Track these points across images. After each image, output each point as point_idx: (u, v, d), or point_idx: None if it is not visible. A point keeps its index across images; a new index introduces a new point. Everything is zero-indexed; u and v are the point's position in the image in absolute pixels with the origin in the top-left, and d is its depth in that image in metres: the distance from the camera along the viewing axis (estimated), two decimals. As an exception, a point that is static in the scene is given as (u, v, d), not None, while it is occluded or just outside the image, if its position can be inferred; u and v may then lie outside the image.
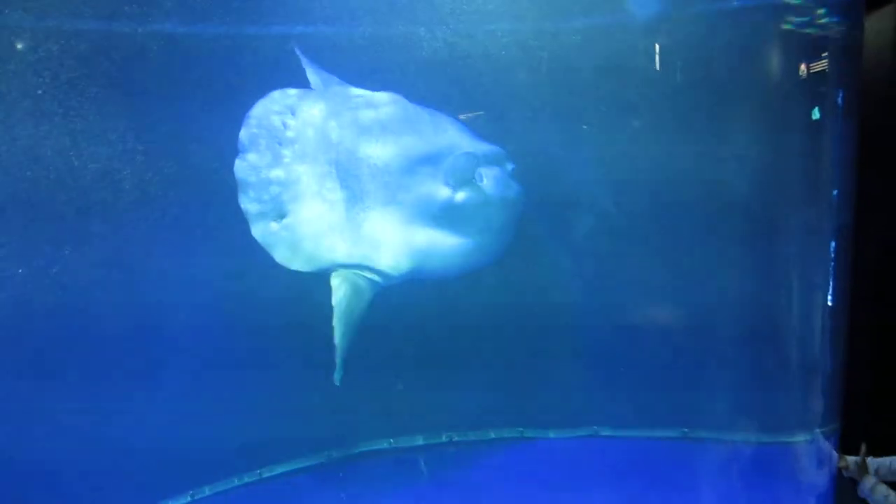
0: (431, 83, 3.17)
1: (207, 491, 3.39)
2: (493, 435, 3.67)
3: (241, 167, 2.87)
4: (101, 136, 2.88)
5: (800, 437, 2.84)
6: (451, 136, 3.14)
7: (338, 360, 2.77)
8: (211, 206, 2.97)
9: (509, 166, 3.17)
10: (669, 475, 3.22)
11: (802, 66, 2.41)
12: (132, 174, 2.94)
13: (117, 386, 2.89)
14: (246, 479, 3.47)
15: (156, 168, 2.97)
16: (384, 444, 3.64)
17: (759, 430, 3.07)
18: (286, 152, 2.92)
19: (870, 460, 2.62)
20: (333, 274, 2.92)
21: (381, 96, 3.10)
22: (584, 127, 3.05)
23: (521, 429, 3.66)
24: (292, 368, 3.10)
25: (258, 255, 2.84)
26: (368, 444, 3.63)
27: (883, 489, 2.42)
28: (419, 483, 3.38)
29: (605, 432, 3.62)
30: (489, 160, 3.12)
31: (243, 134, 2.89)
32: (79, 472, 2.86)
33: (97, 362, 2.90)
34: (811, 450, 2.80)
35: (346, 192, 2.94)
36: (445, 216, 3.02)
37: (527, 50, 3.11)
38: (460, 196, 3.01)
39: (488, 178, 3.07)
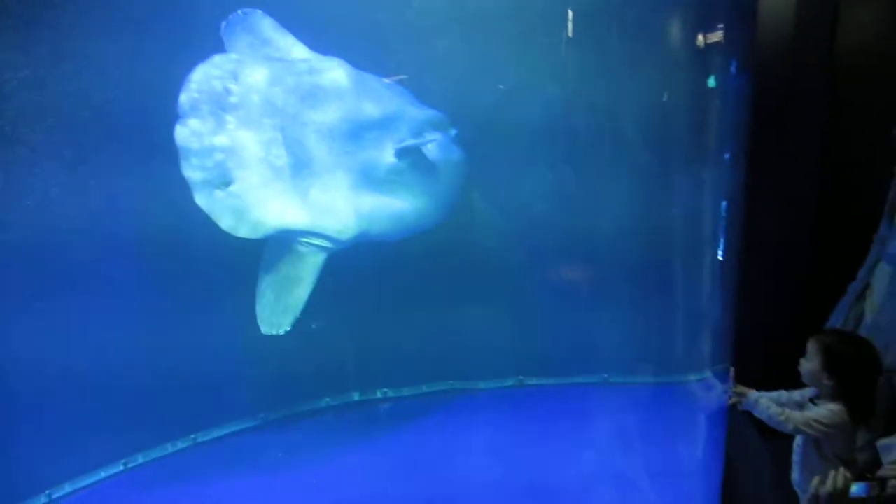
0: (370, 48, 3.16)
1: (141, 459, 3.37)
2: (425, 389, 3.83)
3: (182, 133, 2.76)
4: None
5: (698, 376, 3.15)
6: (395, 102, 3.14)
7: (285, 322, 2.82)
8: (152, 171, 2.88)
9: (452, 131, 3.22)
10: (591, 417, 3.48)
11: (700, 37, 2.60)
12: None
13: (45, 350, 2.80)
14: (180, 445, 3.46)
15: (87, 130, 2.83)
16: (321, 403, 3.72)
17: (666, 372, 3.37)
18: (230, 118, 2.84)
19: (759, 393, 2.93)
20: (281, 239, 2.93)
21: (325, 62, 3.07)
22: (500, 87, 3.12)
23: (451, 382, 3.83)
24: (227, 331, 3.08)
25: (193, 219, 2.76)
26: (305, 404, 3.71)
27: (765, 402, 2.62)
28: (356, 440, 3.46)
29: (531, 381, 3.86)
30: (432, 125, 3.16)
31: (184, 98, 2.78)
32: (9, 442, 2.80)
33: (27, 323, 2.79)
34: (707, 385, 3.12)
35: (292, 158, 2.91)
36: (391, 180, 3.05)
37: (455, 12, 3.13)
38: (405, 161, 3.04)
39: (432, 143, 3.11)
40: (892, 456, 2.07)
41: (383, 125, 3.06)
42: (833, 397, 2.43)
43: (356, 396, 3.77)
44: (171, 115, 2.74)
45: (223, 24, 3.05)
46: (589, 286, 3.50)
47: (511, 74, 3.25)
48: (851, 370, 2.39)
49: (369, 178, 3.03)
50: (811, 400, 2.56)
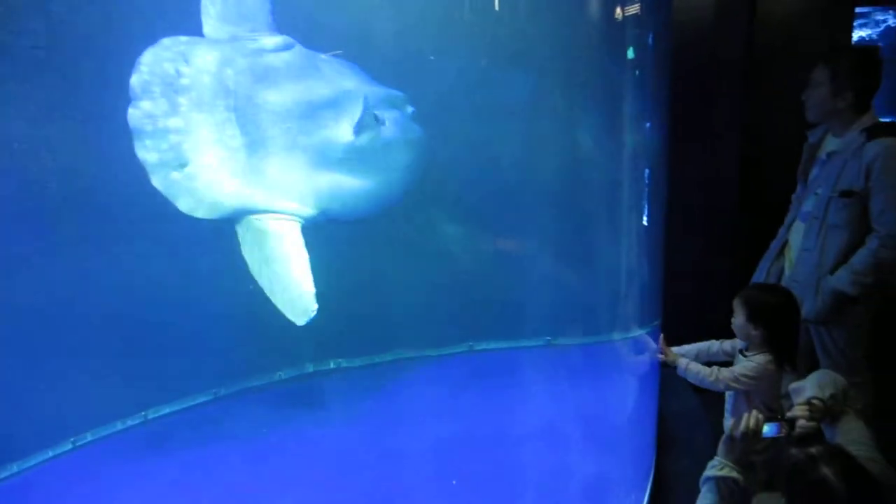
0: (324, 28, 3.11)
1: (90, 436, 3.29)
2: (376, 360, 3.91)
3: (135, 115, 2.71)
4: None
5: (633, 334, 3.32)
6: (350, 81, 3.12)
7: (310, 302, 2.81)
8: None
9: (409, 109, 3.20)
10: (534, 378, 3.62)
11: (618, 10, 2.72)
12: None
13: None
14: (130, 423, 3.40)
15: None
16: (275, 377, 3.76)
17: (603, 332, 3.53)
18: (182, 100, 2.79)
19: (688, 347, 3.11)
20: (251, 228, 2.90)
21: (276, 42, 3.02)
22: (431, 57, 3.14)
23: (399, 351, 3.92)
24: (177, 310, 3.05)
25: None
26: (259, 378, 3.74)
27: (694, 367, 2.80)
28: (312, 411, 3.47)
29: (480, 346, 3.99)
30: (389, 104, 3.15)
31: (135, 80, 2.71)
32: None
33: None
34: (642, 343, 3.30)
35: (247, 139, 2.88)
36: (348, 159, 3.03)
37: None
38: (362, 139, 3.02)
39: (389, 121, 3.10)
40: (802, 397, 2.25)
41: (338, 104, 3.03)
42: (760, 347, 2.62)
43: (310, 368, 3.82)
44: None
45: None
46: (528, 253, 3.62)
47: (448, 49, 3.29)
48: (772, 318, 2.59)
49: (327, 157, 3.01)
50: (741, 351, 2.75)
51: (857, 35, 5.05)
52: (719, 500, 1.89)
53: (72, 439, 3.28)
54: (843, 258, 2.97)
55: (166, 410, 3.53)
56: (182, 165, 2.78)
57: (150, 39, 2.77)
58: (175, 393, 3.54)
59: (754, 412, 2.01)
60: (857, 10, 4.21)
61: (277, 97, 2.93)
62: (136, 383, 3.26)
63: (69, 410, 3.13)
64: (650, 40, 2.82)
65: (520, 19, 3.11)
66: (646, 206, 3.07)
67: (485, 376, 3.75)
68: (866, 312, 3.06)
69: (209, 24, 2.96)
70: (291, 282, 2.89)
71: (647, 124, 2.95)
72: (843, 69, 2.96)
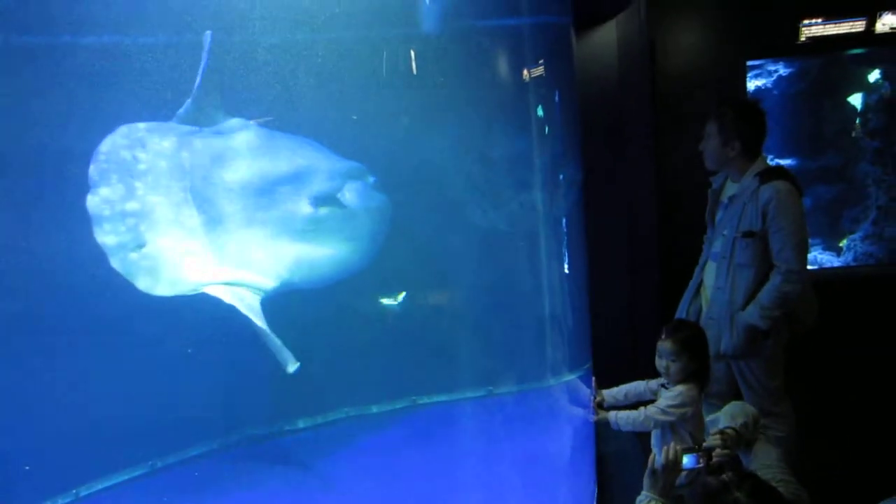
0: (277, 105, 3.17)
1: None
2: (319, 420, 3.89)
3: (93, 202, 2.79)
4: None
5: (567, 377, 3.42)
6: (307, 156, 3.21)
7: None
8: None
9: (370, 178, 3.29)
10: (476, 429, 3.66)
11: (525, 72, 2.92)
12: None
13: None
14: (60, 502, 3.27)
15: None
16: (213, 444, 3.69)
17: (539, 378, 3.62)
18: (139, 184, 2.88)
19: (617, 389, 3.21)
20: (210, 301, 2.91)
21: (232, 123, 3.13)
22: (354, 117, 3.27)
23: (346, 409, 3.92)
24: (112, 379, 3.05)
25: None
26: (200, 446, 3.65)
27: (624, 415, 2.84)
28: (253, 478, 3.42)
29: (423, 400, 4.01)
30: (349, 175, 3.24)
31: (93, 170, 2.81)
32: None
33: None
34: (576, 386, 3.40)
35: (204, 217, 2.96)
36: (309, 231, 3.11)
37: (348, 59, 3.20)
38: (322, 212, 3.11)
39: (350, 192, 3.19)
40: (716, 427, 2.36)
41: (297, 179, 3.11)
42: (680, 378, 2.74)
43: (254, 431, 3.77)
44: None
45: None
46: (461, 306, 3.71)
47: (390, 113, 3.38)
48: (688, 350, 2.72)
49: (287, 230, 3.09)
50: (663, 386, 2.86)
51: (752, 85, 5.47)
52: None
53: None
54: (752, 294, 3.16)
55: (98, 487, 3.41)
56: (140, 246, 2.84)
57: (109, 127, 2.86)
58: (107, 469, 3.42)
59: (672, 445, 2.11)
60: (750, 62, 4.59)
61: (234, 176, 3.03)
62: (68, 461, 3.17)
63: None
64: (556, 98, 3.03)
65: (430, 86, 3.28)
66: (567, 253, 3.22)
67: (428, 429, 3.77)
68: (778, 344, 3.23)
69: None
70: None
71: (560, 176, 3.13)
72: (727, 122, 3.21)
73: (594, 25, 3.90)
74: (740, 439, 2.24)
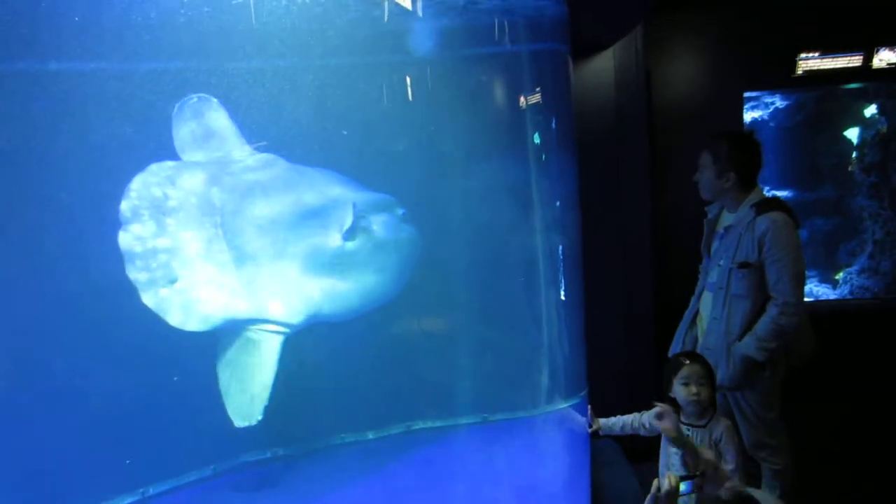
0: (311, 139, 3.19)
1: None
2: (314, 446, 3.86)
3: (125, 238, 2.84)
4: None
5: (563, 405, 3.41)
6: (337, 189, 3.21)
7: (256, 410, 2.87)
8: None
9: (399, 211, 3.27)
10: (472, 455, 3.64)
11: (522, 99, 2.96)
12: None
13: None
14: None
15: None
16: (207, 471, 3.66)
17: (535, 406, 3.60)
18: (170, 221, 2.93)
19: (614, 419, 3.20)
20: (232, 331, 2.97)
21: (260, 158, 3.16)
22: (344, 132, 3.29)
23: (343, 435, 3.89)
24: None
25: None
26: (190, 475, 3.63)
27: (615, 420, 2.97)
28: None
29: (418, 426, 3.99)
30: (378, 207, 3.22)
31: (124, 206, 2.86)
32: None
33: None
34: (572, 414, 3.38)
35: (235, 252, 2.98)
36: (338, 264, 3.09)
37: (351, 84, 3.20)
38: (351, 245, 3.08)
39: (378, 225, 3.17)
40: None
41: (325, 212, 3.11)
42: (704, 410, 2.74)
43: (248, 458, 3.74)
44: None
45: (175, 106, 3.08)
46: (458, 333, 3.71)
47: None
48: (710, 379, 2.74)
49: (315, 264, 3.08)
50: (683, 421, 2.85)
51: (748, 116, 5.55)
52: None
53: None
54: (748, 325, 3.15)
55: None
56: (171, 282, 2.87)
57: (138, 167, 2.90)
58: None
59: (671, 473, 2.18)
60: (747, 94, 4.65)
61: (263, 210, 3.05)
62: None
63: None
64: (553, 126, 3.06)
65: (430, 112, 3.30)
66: (563, 282, 3.23)
67: (424, 455, 3.74)
68: (774, 376, 3.22)
69: (185, 153, 3.12)
70: (250, 391, 2.96)
71: (557, 204, 3.15)
72: (722, 153, 3.23)
73: (592, 54, 3.96)
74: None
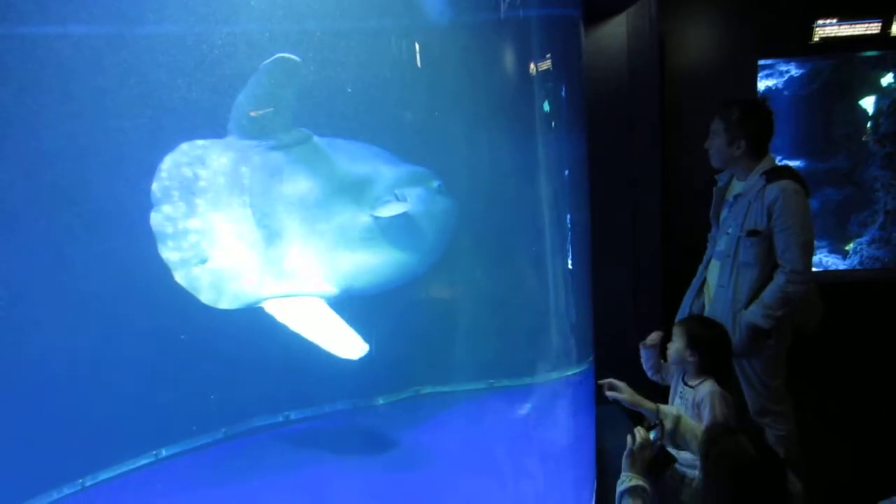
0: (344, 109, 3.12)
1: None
2: (327, 409, 3.94)
3: (156, 219, 2.88)
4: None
5: (568, 372, 3.45)
6: (369, 164, 3.21)
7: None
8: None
9: (434, 183, 3.28)
10: (478, 420, 3.70)
11: (532, 66, 2.92)
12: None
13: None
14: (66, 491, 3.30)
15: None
16: (218, 434, 3.73)
17: (541, 372, 3.65)
18: (200, 201, 2.95)
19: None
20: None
21: (290, 136, 3.13)
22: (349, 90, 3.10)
23: (349, 400, 3.96)
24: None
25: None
26: (206, 436, 3.67)
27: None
28: (263, 465, 3.48)
29: (426, 391, 4.05)
30: (412, 180, 3.24)
31: (155, 187, 2.89)
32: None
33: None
34: (577, 381, 3.43)
35: (265, 231, 3.01)
36: (370, 239, 3.14)
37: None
38: (382, 219, 3.11)
39: (412, 198, 3.17)
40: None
41: (357, 187, 3.13)
42: (697, 373, 2.76)
43: (258, 422, 3.82)
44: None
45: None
46: (465, 301, 3.74)
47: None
48: (710, 347, 2.73)
49: (347, 240, 3.11)
50: (683, 380, 2.88)
51: (762, 84, 5.45)
52: None
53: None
54: (755, 293, 3.14)
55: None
56: (203, 261, 2.92)
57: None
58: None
59: (638, 427, 2.26)
60: (761, 62, 4.57)
61: (293, 188, 3.07)
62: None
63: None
64: (563, 93, 3.03)
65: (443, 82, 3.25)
66: (571, 249, 3.23)
67: (432, 419, 3.81)
68: (780, 344, 3.23)
69: (235, 128, 3.09)
70: (332, 335, 2.99)
71: (567, 172, 3.14)
72: (734, 120, 3.19)
73: (604, 19, 3.88)
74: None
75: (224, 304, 2.95)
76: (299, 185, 3.09)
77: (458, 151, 3.27)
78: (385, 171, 3.21)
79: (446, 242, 3.38)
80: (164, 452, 3.50)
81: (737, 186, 3.33)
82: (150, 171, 2.91)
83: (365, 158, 3.26)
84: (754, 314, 3.10)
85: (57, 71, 2.80)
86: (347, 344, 2.99)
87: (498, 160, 3.24)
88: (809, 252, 3.08)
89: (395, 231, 3.16)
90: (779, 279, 3.04)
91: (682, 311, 3.61)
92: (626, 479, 2.12)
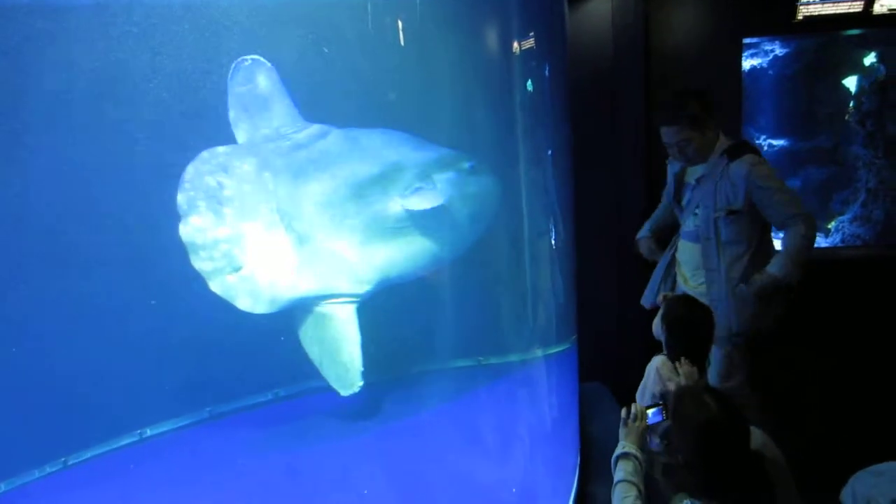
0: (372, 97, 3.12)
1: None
2: (314, 386, 3.93)
3: (186, 231, 2.88)
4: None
5: (552, 350, 3.48)
6: (395, 152, 3.14)
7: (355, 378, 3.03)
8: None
9: (466, 165, 3.18)
10: (468, 396, 3.71)
11: (515, 44, 2.90)
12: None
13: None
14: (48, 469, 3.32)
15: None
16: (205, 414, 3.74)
17: (526, 350, 3.68)
18: (227, 210, 2.94)
19: None
20: (304, 308, 3.05)
21: (310, 133, 3.11)
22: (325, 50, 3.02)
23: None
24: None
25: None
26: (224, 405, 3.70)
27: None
28: (250, 442, 3.49)
29: (414, 369, 4.05)
30: (442, 165, 3.15)
31: (181, 198, 2.88)
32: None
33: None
34: (560, 358, 3.46)
35: (294, 234, 3.01)
36: (401, 229, 3.11)
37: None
38: (413, 208, 3.05)
39: (442, 182, 3.09)
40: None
41: (384, 178, 3.07)
42: (666, 348, 2.78)
43: (244, 401, 3.81)
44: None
45: (232, 66, 3.04)
46: (454, 279, 3.74)
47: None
48: (673, 325, 2.76)
49: (378, 232, 3.08)
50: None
51: (747, 64, 5.45)
52: (627, 473, 2.14)
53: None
54: (748, 267, 3.16)
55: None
56: (236, 269, 2.95)
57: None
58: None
59: (635, 403, 2.32)
60: (746, 40, 4.57)
61: (318, 188, 3.04)
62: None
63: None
64: (546, 72, 3.01)
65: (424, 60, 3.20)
66: (555, 228, 3.24)
67: (419, 397, 3.83)
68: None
69: (240, 133, 3.09)
70: (341, 362, 3.06)
71: (549, 151, 3.14)
72: (698, 113, 3.15)
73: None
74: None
75: (261, 309, 2.96)
76: (325, 183, 3.04)
77: (441, 131, 3.24)
78: (412, 157, 3.14)
79: (485, 223, 3.32)
80: (148, 432, 3.51)
81: (697, 169, 3.33)
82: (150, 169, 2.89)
83: (390, 146, 3.18)
84: (783, 270, 3.02)
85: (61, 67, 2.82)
86: (345, 379, 3.06)
87: (480, 140, 3.22)
88: (800, 199, 3.11)
89: (427, 219, 3.10)
90: (798, 228, 3.03)
91: (649, 294, 3.62)
92: (621, 447, 2.22)
